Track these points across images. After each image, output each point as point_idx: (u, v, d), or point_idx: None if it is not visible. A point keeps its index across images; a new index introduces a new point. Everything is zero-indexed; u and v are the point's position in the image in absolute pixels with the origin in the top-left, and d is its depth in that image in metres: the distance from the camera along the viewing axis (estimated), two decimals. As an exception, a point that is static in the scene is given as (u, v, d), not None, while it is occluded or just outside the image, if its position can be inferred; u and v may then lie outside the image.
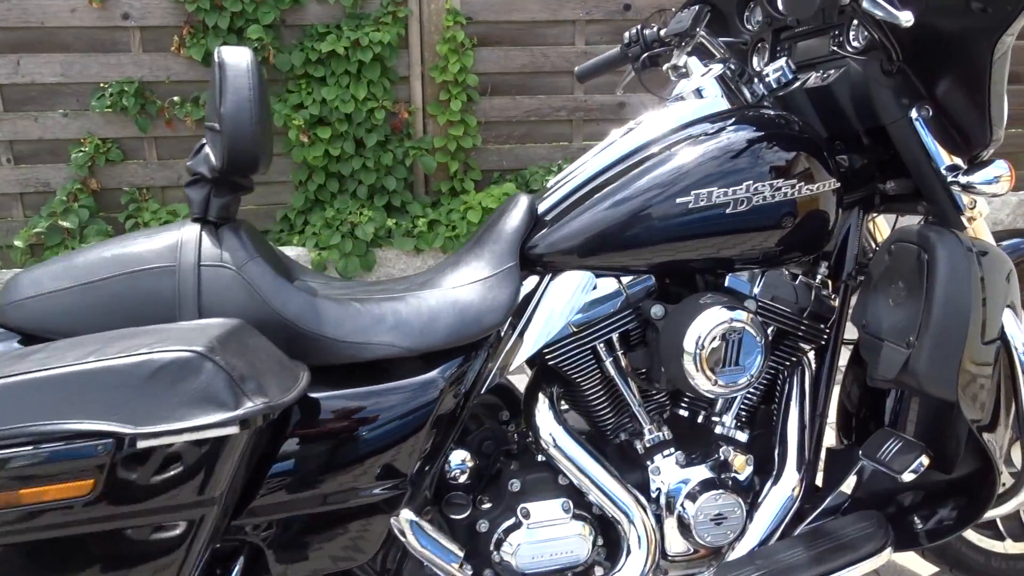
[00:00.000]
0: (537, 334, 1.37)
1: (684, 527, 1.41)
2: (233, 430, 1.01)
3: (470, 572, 1.37)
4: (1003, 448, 1.36)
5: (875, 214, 1.61)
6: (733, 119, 1.39)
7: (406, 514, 1.31)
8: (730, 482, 1.44)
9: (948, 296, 1.25)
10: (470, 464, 1.42)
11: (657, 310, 1.39)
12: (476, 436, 1.48)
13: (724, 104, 1.45)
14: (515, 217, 1.40)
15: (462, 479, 1.41)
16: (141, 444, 0.98)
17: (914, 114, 1.39)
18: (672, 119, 1.43)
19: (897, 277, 1.35)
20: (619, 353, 1.42)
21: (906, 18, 1.20)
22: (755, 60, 1.67)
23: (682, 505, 1.41)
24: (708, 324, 1.32)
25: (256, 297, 1.25)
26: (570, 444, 1.39)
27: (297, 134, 3.11)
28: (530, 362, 1.43)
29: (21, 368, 0.99)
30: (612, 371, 1.41)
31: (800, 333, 1.45)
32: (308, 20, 3.15)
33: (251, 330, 1.17)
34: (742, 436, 1.47)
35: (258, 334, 1.18)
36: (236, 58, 1.26)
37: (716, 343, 1.32)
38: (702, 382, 1.33)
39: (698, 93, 1.47)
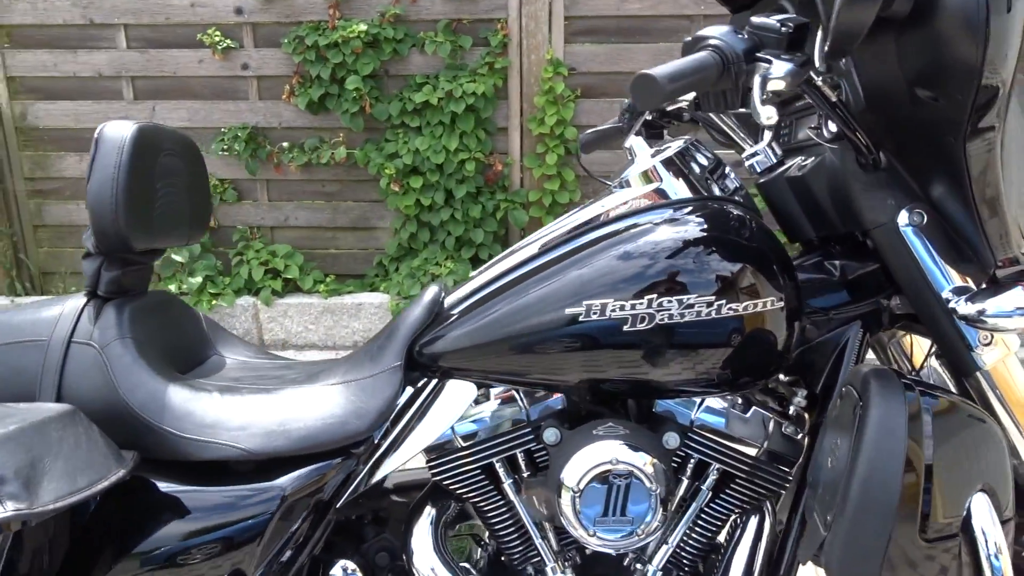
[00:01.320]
0: (411, 445, 1.21)
1: None
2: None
3: None
4: None
5: (887, 334, 1.31)
6: (665, 216, 1.16)
7: None
8: None
9: (871, 472, 0.95)
10: None
11: (551, 435, 1.19)
12: (372, 545, 1.35)
13: (674, 194, 1.22)
14: (415, 311, 1.25)
15: None
16: None
17: (903, 219, 1.09)
18: (608, 207, 1.23)
19: (837, 431, 1.06)
20: (523, 475, 1.23)
21: (767, 115, 0.93)
22: (767, 135, 1.42)
23: None
24: (589, 461, 1.10)
25: (108, 381, 1.20)
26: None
27: (388, 182, 3.13)
28: None
29: None
30: (511, 495, 1.22)
31: (750, 475, 1.18)
32: (411, 71, 3.17)
33: (71, 419, 1.12)
34: None
35: (81, 423, 1.13)
36: (113, 133, 1.23)
37: (595, 486, 1.10)
38: (578, 531, 1.12)
39: (647, 178, 1.26)
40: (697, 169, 1.26)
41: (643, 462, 1.10)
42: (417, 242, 3.25)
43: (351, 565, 1.28)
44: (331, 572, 1.27)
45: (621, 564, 1.25)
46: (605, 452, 1.10)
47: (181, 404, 1.20)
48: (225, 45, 3.17)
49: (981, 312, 1.03)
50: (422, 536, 1.24)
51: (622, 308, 1.09)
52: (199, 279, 3.18)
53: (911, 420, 0.95)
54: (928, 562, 0.94)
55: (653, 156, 1.25)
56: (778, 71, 0.96)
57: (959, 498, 0.96)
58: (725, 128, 1.39)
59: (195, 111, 3.29)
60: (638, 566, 1.22)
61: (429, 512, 1.26)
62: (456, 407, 1.20)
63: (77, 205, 3.41)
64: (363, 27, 3.01)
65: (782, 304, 1.10)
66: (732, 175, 1.30)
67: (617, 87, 3.12)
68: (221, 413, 1.20)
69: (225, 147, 3.24)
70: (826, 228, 1.20)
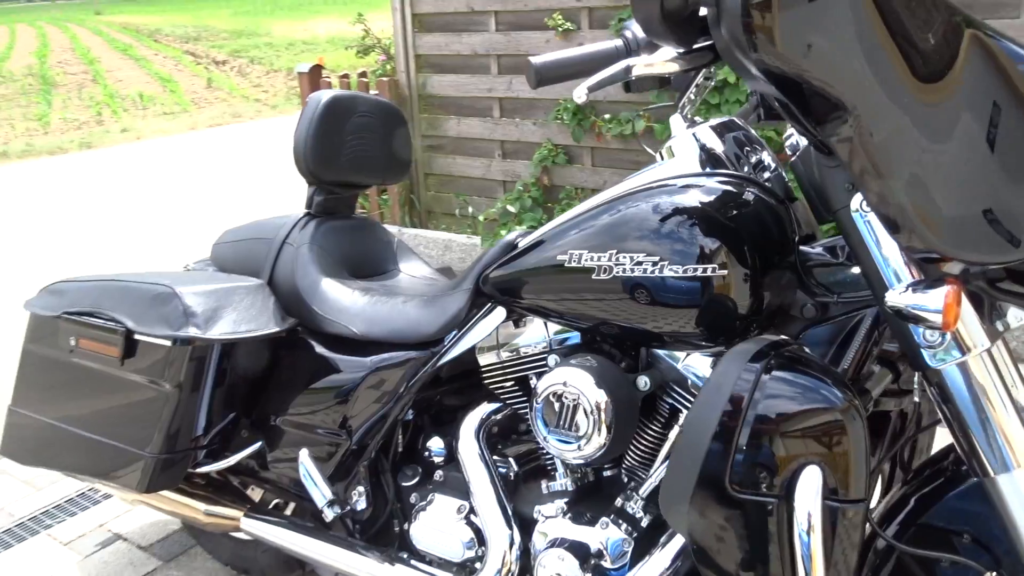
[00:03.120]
0: (456, 351, 1.55)
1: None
2: (165, 342, 1.57)
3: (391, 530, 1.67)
4: None
5: None
6: (657, 186, 1.33)
7: (347, 463, 1.68)
8: (592, 561, 1.39)
9: (693, 419, 1.08)
10: (444, 450, 1.67)
11: (551, 360, 1.45)
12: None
13: (687, 167, 1.36)
14: (494, 248, 1.59)
15: (433, 459, 1.68)
16: (136, 336, 1.62)
17: (855, 203, 1.13)
18: (638, 178, 1.42)
19: None
20: None
21: (578, 95, 1.08)
22: None
23: (539, 561, 1.43)
24: (552, 380, 1.35)
25: (292, 270, 1.76)
26: (478, 466, 1.52)
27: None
28: None
29: (116, 276, 1.72)
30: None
31: None
32: (721, 49, 3.29)
33: (257, 291, 1.70)
34: (641, 516, 1.39)
35: (262, 294, 1.71)
36: (315, 98, 1.77)
37: (551, 400, 1.35)
38: (539, 433, 1.37)
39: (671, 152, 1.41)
40: (729, 147, 1.37)
41: (590, 390, 1.30)
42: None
43: (440, 443, 1.66)
44: (427, 444, 1.68)
45: (622, 490, 1.44)
46: (564, 376, 1.33)
47: (328, 293, 1.71)
48: (565, 27, 3.65)
49: (904, 304, 1.04)
50: (469, 427, 1.57)
51: (591, 259, 1.31)
52: (525, 227, 3.75)
53: (745, 383, 1.04)
54: (735, 511, 1.04)
55: (678, 135, 1.40)
56: (653, 58, 1.10)
57: (779, 464, 1.03)
58: None
59: (541, 84, 3.83)
60: (632, 492, 1.42)
61: (482, 408, 1.59)
62: (486, 328, 1.51)
63: (454, 159, 4.23)
64: (676, 9, 3.22)
65: (725, 272, 1.21)
66: (768, 156, 1.39)
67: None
68: (350, 304, 1.68)
69: (558, 117, 3.74)
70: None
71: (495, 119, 4.06)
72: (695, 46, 1.09)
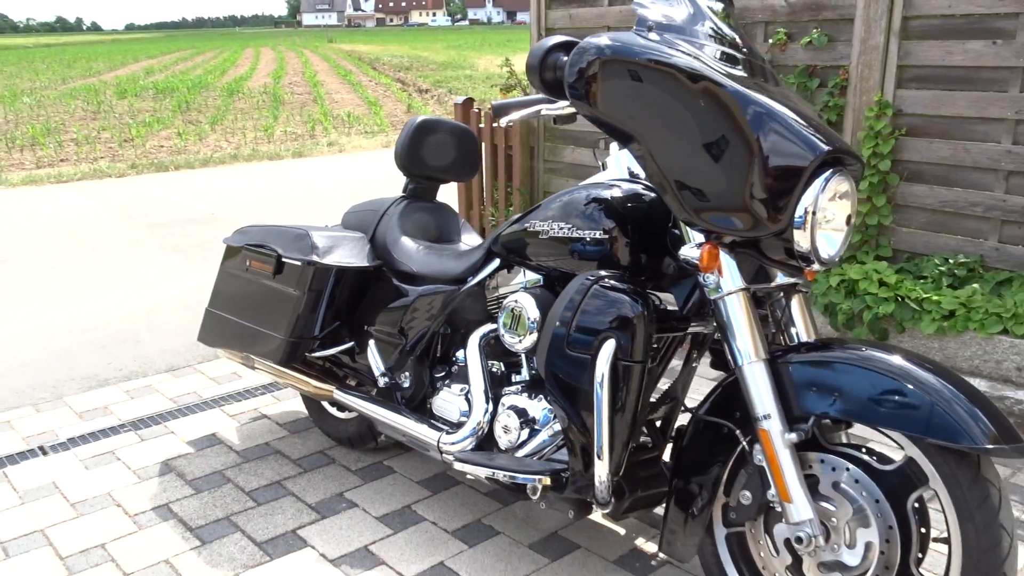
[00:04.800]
0: (472, 288, 2.40)
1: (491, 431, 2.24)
2: (298, 263, 2.55)
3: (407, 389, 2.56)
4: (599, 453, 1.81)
5: None
6: (594, 185, 2.10)
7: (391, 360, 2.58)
8: (527, 421, 2.17)
9: (553, 310, 1.88)
10: (464, 356, 2.53)
11: (520, 291, 2.27)
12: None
13: (614, 175, 2.13)
14: (507, 220, 2.44)
15: (456, 360, 2.54)
16: (283, 259, 2.61)
17: None
18: (588, 180, 2.22)
19: None
20: None
21: (502, 123, 1.89)
22: None
23: (497, 419, 2.20)
24: (512, 298, 2.16)
25: (385, 231, 2.70)
26: (476, 363, 2.25)
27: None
28: None
29: (278, 224, 2.73)
30: None
31: None
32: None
33: (358, 239, 2.66)
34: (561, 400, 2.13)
35: (361, 242, 2.66)
36: (412, 120, 2.71)
37: (508, 310, 2.16)
38: (499, 328, 2.19)
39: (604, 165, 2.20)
40: None
41: (530, 307, 2.09)
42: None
43: (462, 351, 2.51)
44: (455, 351, 2.54)
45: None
46: (518, 296, 2.14)
47: (403, 246, 2.62)
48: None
49: (686, 257, 1.78)
50: (476, 336, 2.30)
51: (538, 225, 2.12)
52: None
53: (578, 295, 1.83)
54: (570, 364, 1.83)
55: (613, 153, 2.19)
56: (556, 105, 1.90)
57: (590, 337, 1.80)
58: None
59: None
60: None
61: (485, 327, 2.33)
62: (487, 272, 2.36)
63: (567, 181, 5.08)
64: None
65: (610, 238, 1.95)
66: None
67: (940, 128, 3.42)
68: (414, 253, 2.58)
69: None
70: None
71: (600, 149, 4.85)
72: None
